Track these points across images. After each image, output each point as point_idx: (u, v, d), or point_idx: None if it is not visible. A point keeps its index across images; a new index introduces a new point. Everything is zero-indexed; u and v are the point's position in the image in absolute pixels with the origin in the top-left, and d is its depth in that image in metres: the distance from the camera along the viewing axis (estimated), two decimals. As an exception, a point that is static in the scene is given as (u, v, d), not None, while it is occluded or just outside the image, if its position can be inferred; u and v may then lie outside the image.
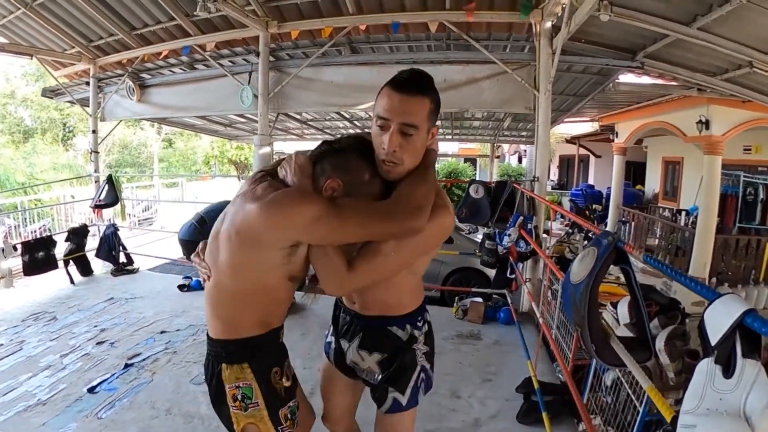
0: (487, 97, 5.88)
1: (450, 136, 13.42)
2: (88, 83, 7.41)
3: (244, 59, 6.27)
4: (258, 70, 5.80)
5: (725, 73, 5.53)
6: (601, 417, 3.16)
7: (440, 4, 5.34)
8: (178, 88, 6.75)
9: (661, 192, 12.30)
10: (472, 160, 21.60)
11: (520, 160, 22.25)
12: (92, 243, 6.79)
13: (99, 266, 6.67)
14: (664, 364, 2.52)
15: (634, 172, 14.22)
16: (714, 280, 6.80)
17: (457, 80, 5.86)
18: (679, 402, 2.53)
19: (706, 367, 1.17)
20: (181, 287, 5.79)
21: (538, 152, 5.46)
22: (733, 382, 1.11)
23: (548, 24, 5.32)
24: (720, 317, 1.14)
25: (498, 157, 15.55)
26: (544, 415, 3.13)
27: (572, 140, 14.71)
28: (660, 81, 7.14)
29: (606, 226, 11.29)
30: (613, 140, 10.98)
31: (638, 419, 2.70)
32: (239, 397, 1.59)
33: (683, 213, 9.59)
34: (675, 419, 1.31)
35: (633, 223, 10.00)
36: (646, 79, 7.12)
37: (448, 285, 6.77)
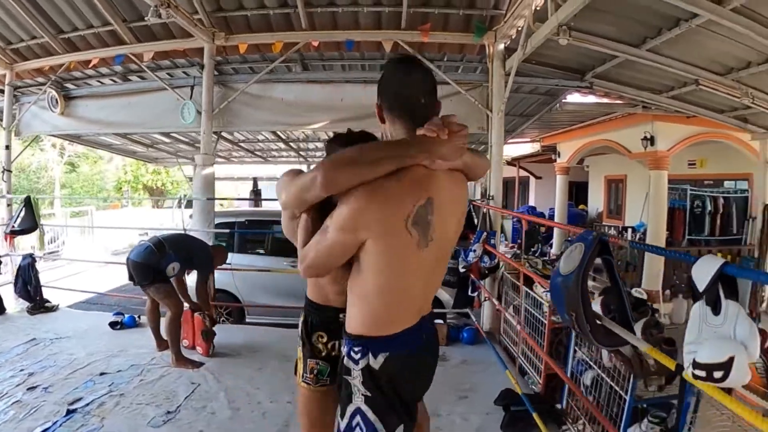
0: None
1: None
2: (2, 91, 6.81)
3: (185, 72, 6.11)
4: (201, 84, 5.65)
5: (671, 91, 6.10)
6: (585, 418, 3.31)
7: (395, 23, 5.49)
8: (109, 101, 6.41)
9: (605, 210, 13.07)
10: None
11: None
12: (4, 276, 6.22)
13: (11, 303, 6.10)
14: (644, 351, 2.68)
15: (576, 191, 14.86)
16: (668, 292, 7.27)
17: None
18: (662, 387, 3.02)
19: (698, 309, 1.59)
20: (112, 324, 5.40)
21: (492, 171, 5.70)
22: (721, 318, 1.53)
23: (501, 46, 5.64)
24: (704, 270, 1.59)
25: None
26: (535, 416, 3.30)
27: (512, 162, 15.35)
28: (605, 100, 7.70)
29: (551, 247, 11.84)
30: (555, 160, 11.60)
31: (625, 407, 2.85)
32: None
33: (629, 230, 10.24)
34: (679, 367, 1.73)
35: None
36: (591, 99, 7.64)
37: None
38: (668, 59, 5.13)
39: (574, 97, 7.64)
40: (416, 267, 1.51)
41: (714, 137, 8.00)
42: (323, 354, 2.07)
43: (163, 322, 4.40)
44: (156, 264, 4.16)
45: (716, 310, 1.56)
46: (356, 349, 1.55)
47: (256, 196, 12.60)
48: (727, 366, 1.48)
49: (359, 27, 5.58)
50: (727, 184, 8.75)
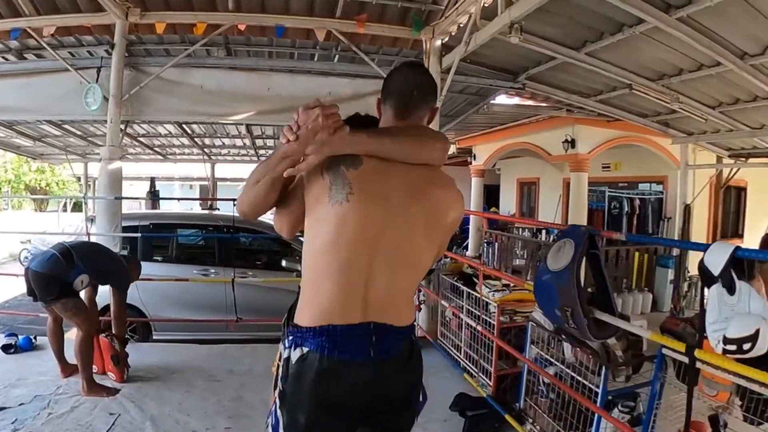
0: (375, 114, 5.87)
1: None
2: None
3: (91, 52, 5.44)
4: (110, 66, 5.02)
5: (600, 95, 6.30)
6: (549, 415, 3.34)
7: (329, 11, 5.22)
8: (1, 82, 5.56)
9: (518, 213, 13.49)
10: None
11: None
12: None
13: None
14: (611, 344, 3.08)
15: (487, 194, 15.18)
16: (590, 289, 7.47)
17: (343, 94, 5.78)
18: (629, 378, 3.17)
19: (715, 291, 1.87)
20: (5, 348, 4.63)
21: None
22: (736, 297, 1.82)
23: (438, 42, 5.54)
24: (717, 256, 1.87)
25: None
26: (508, 417, 3.39)
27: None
28: (530, 102, 7.87)
29: (467, 249, 12.03)
30: (470, 163, 11.80)
31: (599, 399, 2.86)
32: None
33: (543, 232, 10.57)
34: (689, 348, 2.04)
35: (497, 245, 10.75)
36: (516, 100, 7.78)
37: None
38: (605, 63, 5.29)
39: (499, 99, 7.73)
40: (345, 229, 1.39)
41: (632, 141, 8.46)
42: None
43: (70, 342, 3.83)
44: (63, 275, 3.57)
45: (731, 290, 1.84)
46: (289, 338, 1.45)
47: (153, 197, 11.69)
48: (754, 338, 1.74)
49: (290, 12, 5.22)
50: (641, 186, 9.29)
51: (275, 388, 1.50)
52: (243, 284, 5.59)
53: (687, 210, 6.77)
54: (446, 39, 5.52)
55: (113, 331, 4.04)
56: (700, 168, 7.58)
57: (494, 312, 4.20)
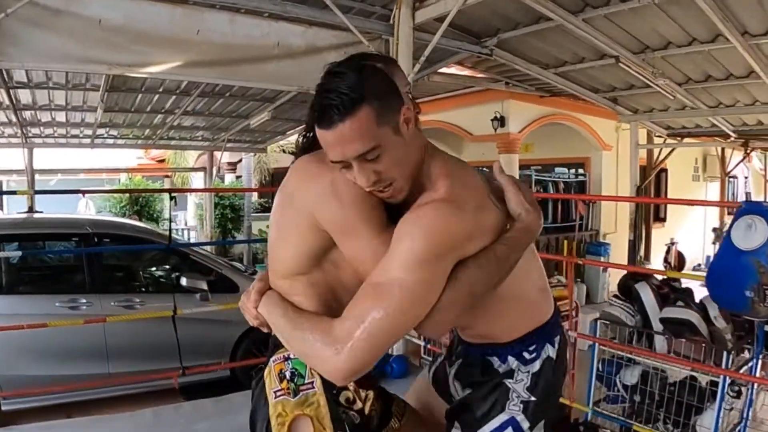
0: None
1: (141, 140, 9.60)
2: None
3: None
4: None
5: (562, 66, 6.12)
6: (637, 419, 3.37)
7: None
8: None
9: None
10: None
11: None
12: None
13: None
14: (721, 327, 3.21)
15: None
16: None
17: (295, 46, 4.81)
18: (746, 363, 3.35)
19: None
20: None
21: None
22: None
23: None
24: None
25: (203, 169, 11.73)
26: None
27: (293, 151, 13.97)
28: (465, 72, 7.42)
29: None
30: None
31: (721, 386, 3.01)
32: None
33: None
34: None
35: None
36: (453, 70, 7.26)
37: (240, 357, 5.25)
38: (596, 32, 5.06)
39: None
40: None
41: (563, 119, 8.46)
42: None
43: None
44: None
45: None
46: (530, 346, 1.49)
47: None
48: None
49: None
50: (557, 170, 9.37)
51: (514, 407, 1.46)
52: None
53: (639, 192, 6.97)
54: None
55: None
56: (643, 148, 7.83)
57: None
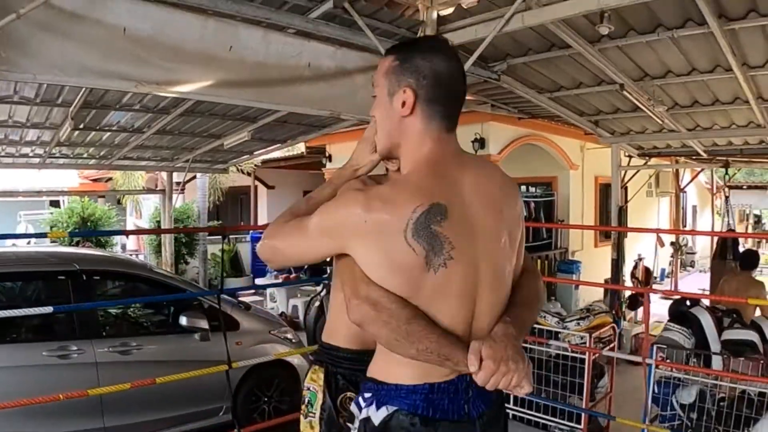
0: (361, 100, 4.54)
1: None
2: None
3: None
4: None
5: (558, 91, 6.11)
6: None
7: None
8: None
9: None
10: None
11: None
12: None
13: None
14: None
15: None
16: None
17: (325, 68, 4.37)
18: None
19: None
20: None
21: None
22: None
23: (435, 14, 4.54)
24: None
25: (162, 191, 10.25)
26: None
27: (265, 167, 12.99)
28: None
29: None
30: (324, 165, 10.65)
31: None
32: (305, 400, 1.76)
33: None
34: None
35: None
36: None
37: (242, 399, 4.70)
38: (607, 61, 5.02)
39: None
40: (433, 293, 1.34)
41: (537, 140, 8.47)
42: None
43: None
44: None
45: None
46: (366, 395, 1.41)
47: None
48: None
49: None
50: (523, 188, 9.38)
51: None
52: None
53: (621, 212, 7.02)
54: (450, 11, 4.52)
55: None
56: (631, 168, 7.91)
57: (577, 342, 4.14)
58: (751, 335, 3.62)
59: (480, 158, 1.97)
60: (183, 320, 4.40)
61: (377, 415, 1.34)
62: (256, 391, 4.84)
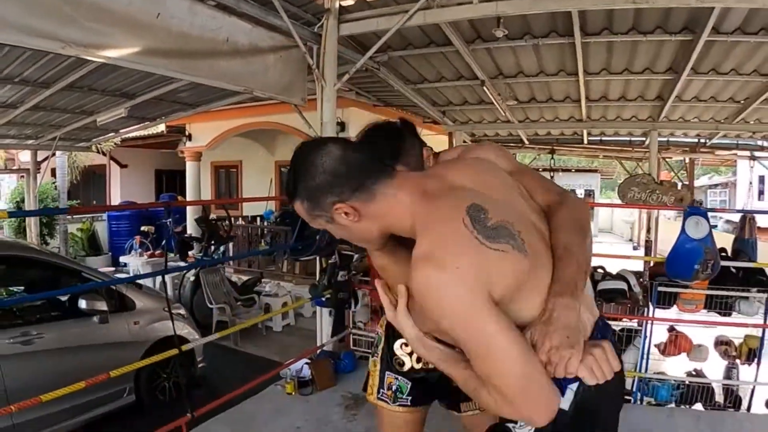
0: (271, 79, 4.63)
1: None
2: None
3: None
4: None
5: (422, 84, 6.75)
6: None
7: None
8: None
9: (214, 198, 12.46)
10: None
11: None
12: None
13: None
14: (637, 292, 4.56)
15: (166, 180, 13.72)
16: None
17: (240, 45, 4.40)
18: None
19: None
20: None
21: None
22: None
23: (337, 3, 4.70)
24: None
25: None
26: None
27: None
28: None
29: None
30: (184, 143, 10.27)
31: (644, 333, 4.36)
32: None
33: (258, 219, 10.10)
34: None
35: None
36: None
37: (145, 380, 4.65)
38: (472, 62, 5.62)
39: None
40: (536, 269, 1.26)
41: None
42: (405, 369, 1.92)
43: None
44: None
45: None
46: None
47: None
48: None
49: None
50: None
51: None
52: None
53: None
54: (351, 2, 4.74)
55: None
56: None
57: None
58: (621, 284, 4.50)
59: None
60: (82, 303, 4.09)
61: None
62: (158, 370, 4.67)
